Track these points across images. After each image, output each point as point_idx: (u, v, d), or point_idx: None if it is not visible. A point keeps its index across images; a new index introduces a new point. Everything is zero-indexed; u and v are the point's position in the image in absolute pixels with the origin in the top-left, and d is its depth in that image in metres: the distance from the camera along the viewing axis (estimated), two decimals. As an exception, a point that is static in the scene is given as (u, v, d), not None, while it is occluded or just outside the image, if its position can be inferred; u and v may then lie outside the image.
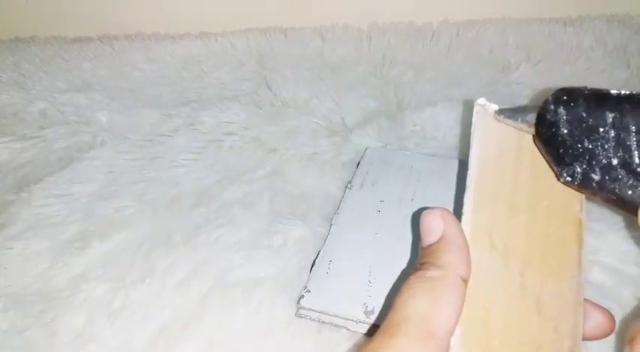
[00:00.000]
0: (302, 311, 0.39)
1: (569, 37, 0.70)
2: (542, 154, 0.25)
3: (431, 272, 0.21)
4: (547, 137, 0.24)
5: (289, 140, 0.57)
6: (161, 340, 0.39)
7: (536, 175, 0.25)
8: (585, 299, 0.23)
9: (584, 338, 0.22)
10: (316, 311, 0.38)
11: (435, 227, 0.23)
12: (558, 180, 0.24)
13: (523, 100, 0.61)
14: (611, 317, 0.24)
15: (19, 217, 0.49)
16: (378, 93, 0.64)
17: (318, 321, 0.39)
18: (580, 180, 0.23)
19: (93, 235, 0.47)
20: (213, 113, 0.61)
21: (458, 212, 0.24)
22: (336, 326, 0.38)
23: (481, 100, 0.27)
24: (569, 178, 0.23)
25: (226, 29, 0.74)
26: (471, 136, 0.26)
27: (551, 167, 0.24)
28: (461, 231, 0.23)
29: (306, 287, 0.40)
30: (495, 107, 0.27)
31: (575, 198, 0.24)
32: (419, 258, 0.23)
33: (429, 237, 0.23)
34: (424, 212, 0.23)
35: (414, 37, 0.72)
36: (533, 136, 0.25)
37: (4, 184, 0.54)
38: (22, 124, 0.62)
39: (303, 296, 0.39)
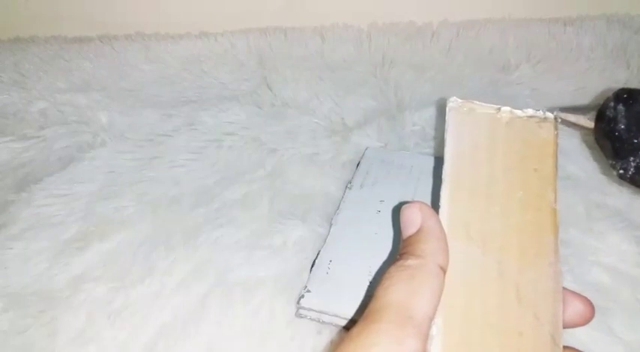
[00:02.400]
0: (302, 311, 0.39)
1: (569, 37, 0.70)
2: (600, 149, 0.26)
3: (410, 261, 0.22)
4: (605, 132, 0.25)
5: (289, 140, 0.57)
6: (161, 340, 0.39)
7: (510, 167, 0.26)
8: (564, 288, 0.23)
9: (565, 326, 0.22)
10: (316, 311, 0.38)
11: (413, 219, 0.24)
12: (612, 173, 0.25)
13: (523, 100, 0.61)
14: (591, 305, 0.24)
15: (19, 217, 0.49)
16: (378, 93, 0.64)
17: (318, 321, 0.39)
18: (632, 173, 0.24)
19: (93, 235, 0.47)
20: (213, 113, 0.61)
21: (435, 205, 0.25)
22: (336, 326, 0.38)
23: (453, 98, 0.28)
24: (622, 171, 0.24)
25: (226, 29, 0.74)
26: (445, 132, 0.27)
27: (607, 161, 0.26)
28: (438, 222, 0.24)
29: (306, 287, 0.40)
30: (469, 104, 0.28)
31: (549, 189, 0.25)
32: (399, 249, 0.23)
33: (409, 228, 0.24)
34: (403, 206, 0.24)
35: (414, 37, 0.72)
36: (593, 131, 0.26)
37: (4, 184, 0.54)
38: (22, 124, 0.62)
39: (303, 296, 0.39)
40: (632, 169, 0.24)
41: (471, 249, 0.23)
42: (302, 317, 0.39)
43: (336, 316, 0.38)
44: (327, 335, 0.38)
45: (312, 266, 0.41)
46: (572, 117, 0.27)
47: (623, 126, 0.24)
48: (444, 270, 0.22)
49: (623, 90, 0.25)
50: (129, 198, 0.51)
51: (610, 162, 0.25)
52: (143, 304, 0.41)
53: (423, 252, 0.22)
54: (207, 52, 0.72)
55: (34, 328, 0.40)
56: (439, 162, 0.26)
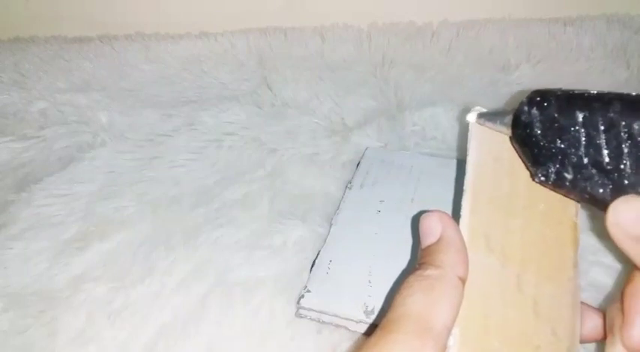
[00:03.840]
0: (302, 311, 0.39)
1: (569, 37, 0.70)
2: (518, 155, 0.25)
3: (429, 271, 0.21)
4: (522, 138, 0.24)
5: (289, 140, 0.57)
6: (161, 340, 0.39)
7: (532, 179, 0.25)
8: (582, 302, 0.23)
9: (582, 341, 0.22)
10: (316, 311, 0.38)
11: (433, 229, 0.23)
12: (533, 180, 0.24)
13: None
14: None
15: (19, 217, 0.49)
16: (378, 93, 0.64)
17: (318, 321, 0.39)
18: (554, 179, 0.23)
19: (93, 235, 0.47)
20: (213, 113, 0.61)
21: (456, 214, 0.25)
22: (336, 326, 0.38)
23: (477, 107, 0.27)
24: (543, 178, 0.23)
25: (226, 29, 0.74)
26: (468, 142, 0.27)
27: (527, 168, 0.25)
28: (459, 232, 0.23)
29: (306, 287, 0.40)
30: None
31: (570, 202, 0.25)
32: (418, 259, 0.23)
33: (428, 238, 0.23)
34: (423, 215, 0.24)
35: (414, 37, 0.72)
36: (510, 138, 0.26)
37: (4, 184, 0.54)
38: (22, 124, 0.62)
39: (303, 296, 0.39)
40: (553, 175, 0.23)
41: (491, 261, 0.23)
42: (302, 317, 0.39)
43: (336, 316, 0.38)
44: (327, 335, 0.38)
45: (312, 266, 0.41)
46: (489, 124, 0.26)
47: (539, 132, 0.23)
48: (463, 281, 0.21)
49: (536, 93, 0.24)
50: (129, 198, 0.51)
51: (530, 168, 0.24)
52: (143, 304, 0.41)
53: (443, 263, 0.22)
54: (207, 52, 0.72)
55: (34, 328, 0.40)
56: (461, 165, 0.26)
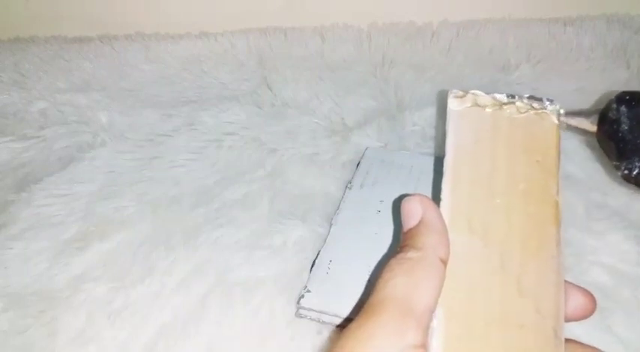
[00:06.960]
0: (302, 311, 0.39)
1: (569, 37, 0.70)
2: (603, 151, 0.27)
3: (410, 254, 0.22)
4: (608, 134, 0.26)
5: (289, 140, 0.57)
6: (161, 340, 0.39)
7: (513, 160, 0.26)
8: (566, 281, 0.23)
9: (567, 319, 0.22)
10: (316, 311, 0.38)
11: (414, 212, 0.23)
12: (617, 173, 0.25)
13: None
14: (593, 298, 0.24)
15: (19, 217, 0.49)
16: (378, 93, 0.64)
17: (318, 321, 0.39)
18: (637, 173, 0.25)
19: (93, 235, 0.47)
20: (213, 113, 0.61)
21: (437, 198, 0.25)
22: (336, 326, 0.38)
23: (455, 90, 0.28)
24: (627, 171, 0.25)
25: (226, 29, 0.74)
26: (446, 124, 0.27)
27: (611, 163, 0.26)
28: (439, 215, 0.24)
29: (306, 287, 0.40)
30: (470, 95, 0.28)
31: (551, 181, 0.25)
32: (400, 242, 0.23)
33: (409, 221, 0.23)
34: (405, 198, 0.24)
35: (414, 37, 0.72)
36: (596, 134, 0.27)
37: (4, 184, 0.54)
38: (22, 124, 0.62)
39: (303, 296, 0.39)
40: (636, 169, 0.24)
41: (473, 242, 0.23)
42: (302, 317, 0.39)
43: (336, 316, 0.38)
44: (327, 335, 0.38)
45: (312, 266, 0.41)
46: (574, 121, 0.27)
47: (626, 127, 0.25)
48: (444, 263, 0.22)
49: (624, 93, 0.26)
50: (129, 198, 0.51)
51: (614, 163, 0.25)
52: (143, 304, 0.41)
53: (424, 245, 0.22)
54: (207, 52, 0.72)
55: (34, 328, 0.40)
56: (439, 161, 0.26)
